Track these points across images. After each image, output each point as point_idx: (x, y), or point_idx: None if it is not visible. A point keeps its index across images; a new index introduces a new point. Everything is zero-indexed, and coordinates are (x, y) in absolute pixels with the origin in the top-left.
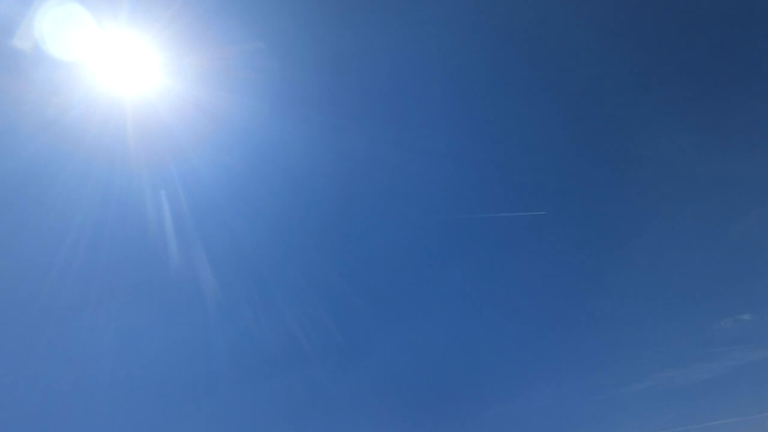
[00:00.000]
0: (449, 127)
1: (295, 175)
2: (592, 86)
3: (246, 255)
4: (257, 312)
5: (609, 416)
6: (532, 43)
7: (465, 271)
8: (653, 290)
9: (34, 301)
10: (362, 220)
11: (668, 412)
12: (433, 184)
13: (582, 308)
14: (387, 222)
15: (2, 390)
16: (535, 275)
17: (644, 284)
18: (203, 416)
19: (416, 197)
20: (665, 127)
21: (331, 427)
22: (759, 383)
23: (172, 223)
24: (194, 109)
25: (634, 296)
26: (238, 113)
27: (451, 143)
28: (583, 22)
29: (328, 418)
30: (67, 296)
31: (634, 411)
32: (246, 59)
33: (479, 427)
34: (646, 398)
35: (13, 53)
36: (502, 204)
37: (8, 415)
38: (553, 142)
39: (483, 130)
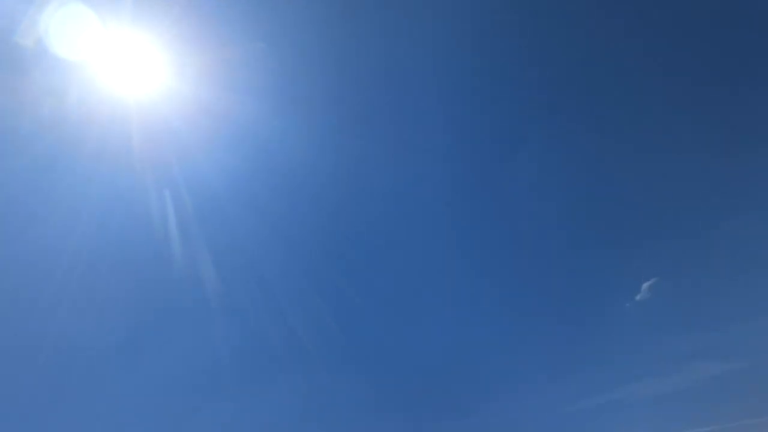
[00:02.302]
0: (452, 127)
1: (299, 175)
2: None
3: (250, 254)
4: (261, 311)
5: (571, 430)
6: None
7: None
8: (615, 303)
9: (39, 299)
10: (365, 219)
11: (630, 426)
12: (435, 184)
13: (544, 321)
14: (390, 221)
15: (8, 389)
16: (499, 286)
17: (606, 296)
18: (207, 415)
19: (419, 196)
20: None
21: (334, 426)
22: (720, 396)
23: (176, 222)
24: (199, 109)
25: (595, 309)
26: (243, 114)
27: (452, 143)
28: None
29: (331, 416)
30: (72, 295)
31: (596, 425)
32: (250, 60)
33: None
34: (608, 412)
35: (17, 54)
36: (506, 204)
37: (13, 414)
38: (546, 139)
39: (484, 130)
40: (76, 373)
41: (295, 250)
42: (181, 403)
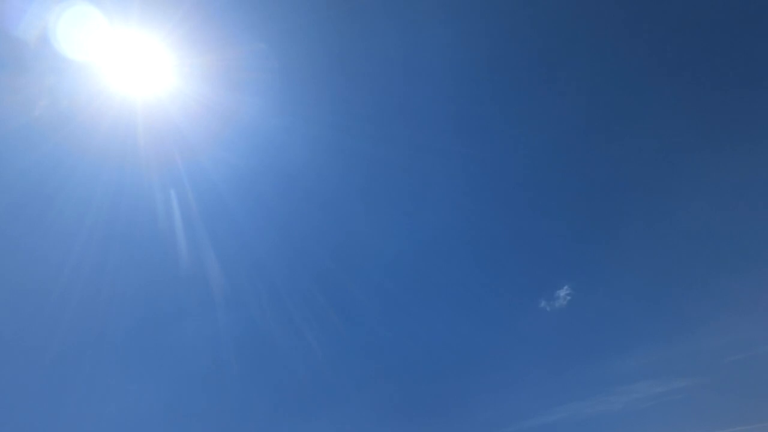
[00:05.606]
0: (455, 126)
1: (303, 174)
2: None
3: (255, 252)
4: (265, 308)
5: None
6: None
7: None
8: (559, 324)
9: (45, 297)
10: (369, 218)
11: None
12: (438, 183)
13: (489, 340)
14: (393, 220)
15: (13, 386)
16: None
17: (550, 319)
18: (211, 411)
19: (422, 196)
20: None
21: (337, 422)
22: (663, 413)
23: (181, 221)
24: (204, 109)
25: (539, 331)
26: (248, 113)
27: (456, 142)
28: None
29: (334, 414)
30: (79, 292)
31: None
32: (255, 60)
33: None
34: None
35: (24, 54)
36: (505, 203)
37: (20, 410)
38: (549, 139)
39: (487, 130)
40: (83, 369)
41: (300, 248)
42: (187, 400)
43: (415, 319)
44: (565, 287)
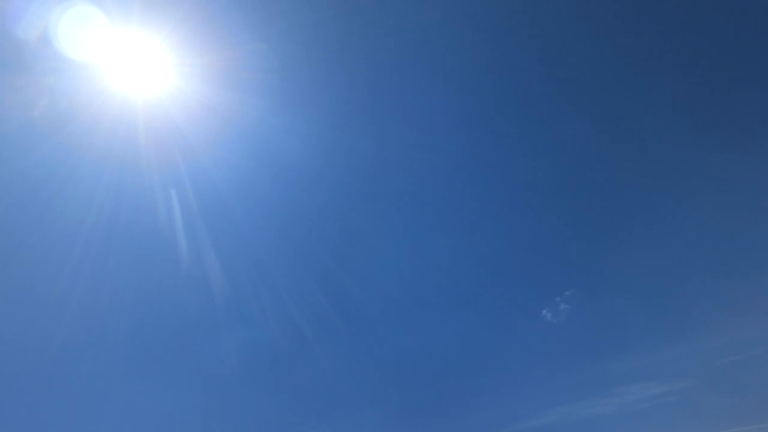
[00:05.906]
0: (457, 127)
1: (304, 174)
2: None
3: (255, 252)
4: (266, 308)
5: None
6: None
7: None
8: (556, 325)
9: (46, 297)
10: (369, 219)
11: None
12: (439, 184)
13: (487, 342)
14: (393, 221)
15: (16, 383)
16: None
17: (548, 320)
18: (212, 413)
19: (423, 196)
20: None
21: (337, 422)
22: (660, 414)
23: (182, 221)
24: (205, 109)
25: (537, 332)
26: (248, 113)
27: (458, 143)
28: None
29: (334, 414)
30: (79, 292)
31: None
32: (255, 60)
33: None
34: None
35: (25, 54)
36: (504, 203)
37: (22, 411)
38: (547, 138)
39: (489, 130)
40: (83, 370)
41: (300, 248)
42: (188, 402)
43: (414, 317)
44: (564, 290)
